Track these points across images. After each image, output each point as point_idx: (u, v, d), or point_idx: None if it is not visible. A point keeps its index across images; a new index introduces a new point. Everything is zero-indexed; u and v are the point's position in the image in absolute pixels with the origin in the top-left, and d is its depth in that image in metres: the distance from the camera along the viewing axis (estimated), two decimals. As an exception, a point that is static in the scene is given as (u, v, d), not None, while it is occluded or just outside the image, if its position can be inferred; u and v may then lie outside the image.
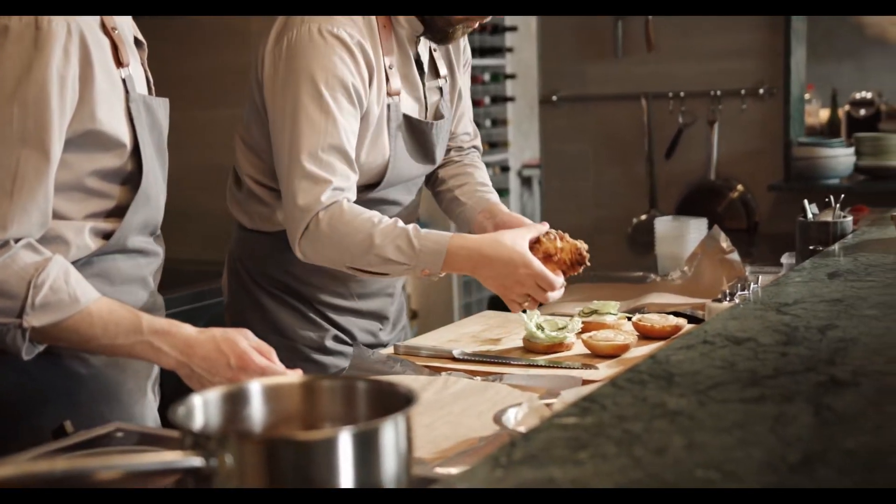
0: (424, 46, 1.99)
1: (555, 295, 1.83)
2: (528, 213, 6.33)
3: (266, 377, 1.36)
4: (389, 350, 2.03)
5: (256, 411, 1.01)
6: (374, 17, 1.86)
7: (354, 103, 1.83)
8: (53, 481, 0.85)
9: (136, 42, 1.61)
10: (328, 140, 1.80)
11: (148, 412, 1.59)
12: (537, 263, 1.78)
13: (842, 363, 1.23)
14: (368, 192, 1.95)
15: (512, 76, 5.53)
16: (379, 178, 1.95)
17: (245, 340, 1.42)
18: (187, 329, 1.42)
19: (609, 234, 4.35)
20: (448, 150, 2.16)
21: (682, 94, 4.11)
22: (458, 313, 5.04)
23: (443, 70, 2.05)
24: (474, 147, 2.23)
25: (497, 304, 1.94)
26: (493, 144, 5.34)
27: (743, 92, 4.00)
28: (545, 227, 1.90)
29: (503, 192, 5.64)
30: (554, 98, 4.38)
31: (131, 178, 1.53)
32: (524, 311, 1.91)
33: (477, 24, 1.91)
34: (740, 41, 3.99)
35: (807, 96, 4.47)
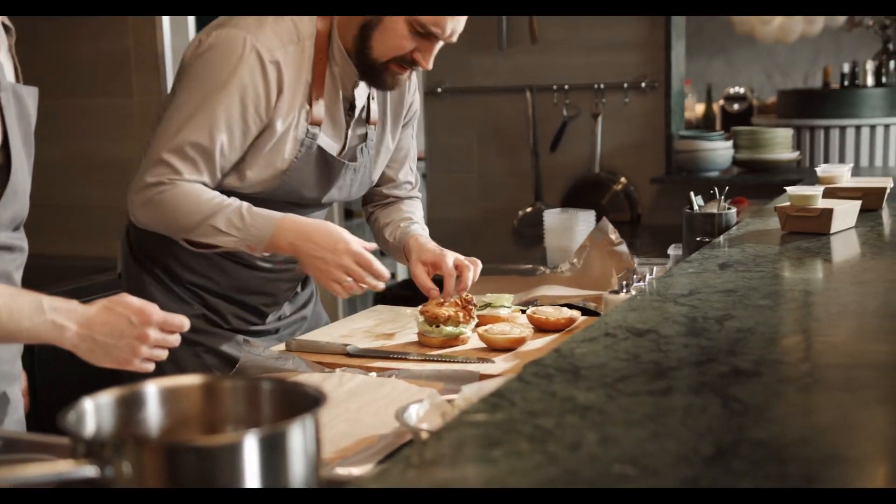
0: (362, 92, 2.00)
1: (378, 283, 1.86)
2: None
3: (166, 327, 1.39)
4: (281, 346, 1.98)
5: (153, 414, 0.95)
6: (310, 50, 1.89)
7: (248, 115, 1.86)
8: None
9: (4, 27, 1.52)
10: (199, 139, 1.84)
11: (10, 417, 1.53)
12: (356, 241, 1.82)
13: (742, 353, 1.25)
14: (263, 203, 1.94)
15: (395, 68, 5.50)
16: (271, 188, 1.95)
17: (134, 298, 1.40)
18: (80, 304, 1.38)
19: (495, 225, 4.36)
20: (387, 196, 2.22)
21: (566, 86, 4.14)
22: (343, 306, 4.99)
23: (374, 117, 2.06)
24: (415, 196, 2.27)
25: (385, 300, 1.97)
26: (377, 136, 5.30)
27: (626, 85, 4.05)
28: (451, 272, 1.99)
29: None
30: (439, 90, 4.36)
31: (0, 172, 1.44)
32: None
33: (407, 72, 1.94)
34: (623, 35, 4.04)
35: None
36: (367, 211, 2.27)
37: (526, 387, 1.13)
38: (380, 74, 1.91)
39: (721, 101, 6.07)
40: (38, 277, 1.72)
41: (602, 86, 4.08)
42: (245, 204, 1.85)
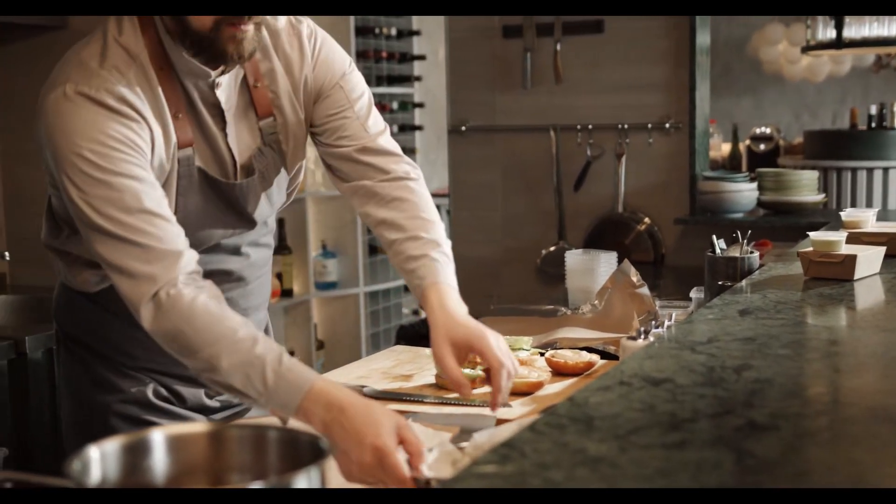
0: (229, 88, 1.70)
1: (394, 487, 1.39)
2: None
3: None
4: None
5: (159, 462, 0.95)
6: (148, 63, 1.60)
7: (137, 160, 1.54)
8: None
9: None
10: (129, 205, 1.51)
11: None
12: (390, 438, 1.37)
13: (759, 406, 1.23)
14: None
15: (420, 105, 5.52)
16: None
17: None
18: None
19: (517, 264, 4.35)
20: (355, 174, 1.77)
21: (590, 126, 4.14)
22: (366, 343, 4.99)
23: (264, 108, 1.74)
24: (389, 163, 1.77)
25: (406, 336, 1.86)
26: (402, 173, 5.31)
27: (649, 126, 4.05)
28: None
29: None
30: (463, 128, 4.37)
31: None
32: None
33: (248, 31, 1.57)
34: (647, 76, 4.04)
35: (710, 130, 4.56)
36: (354, 202, 1.79)
37: (538, 437, 1.12)
38: (215, 44, 1.56)
39: (747, 141, 6.05)
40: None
41: (626, 126, 4.08)
42: (271, 354, 1.45)
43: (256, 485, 0.83)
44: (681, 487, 0.96)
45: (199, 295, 1.49)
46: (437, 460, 1.35)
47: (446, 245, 1.72)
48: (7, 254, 3.24)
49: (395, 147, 1.80)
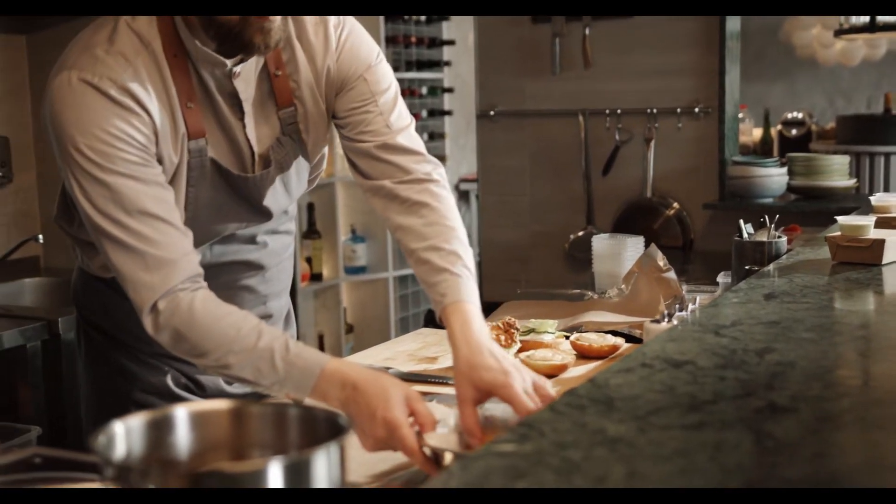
0: (248, 78, 1.66)
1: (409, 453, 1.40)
2: (466, 227, 6.33)
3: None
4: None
5: (182, 438, 0.97)
6: (161, 53, 1.57)
7: (139, 156, 1.53)
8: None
9: None
10: (128, 207, 1.51)
11: None
12: (398, 408, 1.39)
13: (780, 388, 1.23)
14: None
15: (450, 90, 5.52)
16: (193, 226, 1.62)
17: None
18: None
19: (545, 249, 4.35)
20: (374, 172, 1.71)
21: (618, 111, 4.13)
22: (395, 327, 5.01)
23: (284, 97, 1.70)
24: (412, 163, 1.70)
25: (434, 320, 1.84)
26: (431, 158, 5.32)
27: (678, 110, 4.03)
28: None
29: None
30: (492, 113, 4.37)
31: None
32: None
33: (269, 17, 1.52)
34: (676, 60, 4.02)
35: (740, 115, 4.53)
36: (376, 205, 1.72)
37: (557, 417, 1.12)
38: (242, 35, 1.53)
39: (779, 126, 6.00)
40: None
41: (655, 110, 4.06)
42: (279, 342, 1.47)
43: (275, 460, 0.85)
44: (700, 467, 0.96)
45: (197, 296, 1.50)
46: (448, 433, 1.37)
47: (468, 256, 1.64)
48: (41, 237, 3.29)
49: (418, 145, 1.73)
